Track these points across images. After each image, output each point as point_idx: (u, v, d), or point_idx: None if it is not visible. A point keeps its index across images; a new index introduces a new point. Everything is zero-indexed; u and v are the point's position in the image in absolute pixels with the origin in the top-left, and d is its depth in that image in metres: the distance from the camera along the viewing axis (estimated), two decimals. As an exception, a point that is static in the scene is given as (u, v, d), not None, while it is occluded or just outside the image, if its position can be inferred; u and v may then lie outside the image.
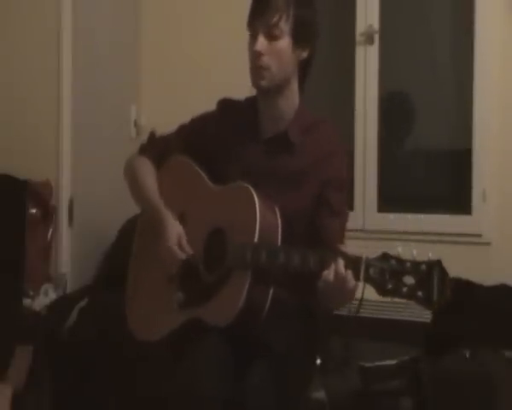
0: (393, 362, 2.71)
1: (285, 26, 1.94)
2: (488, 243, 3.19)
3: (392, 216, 3.38)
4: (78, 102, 3.14)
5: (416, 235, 3.20)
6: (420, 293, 1.65)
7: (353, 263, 1.73)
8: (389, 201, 3.45)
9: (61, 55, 3.09)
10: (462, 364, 2.64)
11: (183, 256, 1.98)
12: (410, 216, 3.36)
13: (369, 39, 3.39)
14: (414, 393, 2.65)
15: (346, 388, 2.66)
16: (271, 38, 1.94)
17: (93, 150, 3.27)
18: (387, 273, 1.68)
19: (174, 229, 2.01)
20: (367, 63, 3.41)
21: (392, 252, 1.71)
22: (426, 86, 3.53)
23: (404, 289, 1.67)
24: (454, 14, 3.53)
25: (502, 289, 2.83)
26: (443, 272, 1.65)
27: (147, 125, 3.60)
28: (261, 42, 1.94)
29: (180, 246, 1.99)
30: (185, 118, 2.19)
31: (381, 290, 1.69)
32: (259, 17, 1.95)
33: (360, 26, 3.40)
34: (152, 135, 2.25)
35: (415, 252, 1.68)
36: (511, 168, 3.19)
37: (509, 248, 3.15)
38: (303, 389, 2.09)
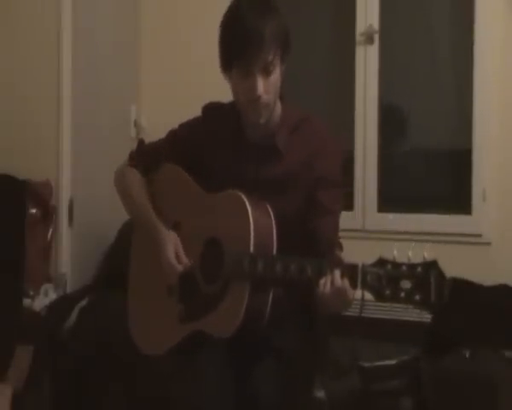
0: (393, 362, 2.71)
1: (277, 56, 1.89)
2: (488, 243, 3.19)
3: (391, 216, 3.38)
4: (78, 102, 3.14)
5: (416, 235, 3.19)
6: (417, 297, 1.62)
7: (350, 271, 1.71)
8: (389, 201, 3.45)
9: (61, 55, 3.10)
10: (462, 364, 2.64)
11: (180, 268, 1.97)
12: (409, 216, 3.35)
13: (369, 39, 3.39)
14: (414, 393, 2.65)
15: (346, 388, 2.66)
16: (267, 73, 1.88)
17: (93, 150, 3.27)
18: (384, 279, 1.66)
19: (170, 241, 2.00)
20: (367, 63, 3.40)
21: (388, 255, 1.69)
22: (426, 86, 3.53)
23: (402, 294, 1.64)
24: (454, 13, 3.53)
25: (502, 289, 2.83)
26: (439, 272, 1.62)
27: (147, 126, 3.61)
28: (260, 84, 1.87)
29: (178, 258, 1.98)
30: (185, 118, 2.18)
31: (379, 297, 1.67)
32: (255, 57, 1.85)
33: (360, 26, 3.40)
34: (141, 143, 2.24)
35: (410, 253, 1.66)
36: (511, 168, 3.19)
37: (509, 248, 3.14)
38: (307, 389, 2.09)
